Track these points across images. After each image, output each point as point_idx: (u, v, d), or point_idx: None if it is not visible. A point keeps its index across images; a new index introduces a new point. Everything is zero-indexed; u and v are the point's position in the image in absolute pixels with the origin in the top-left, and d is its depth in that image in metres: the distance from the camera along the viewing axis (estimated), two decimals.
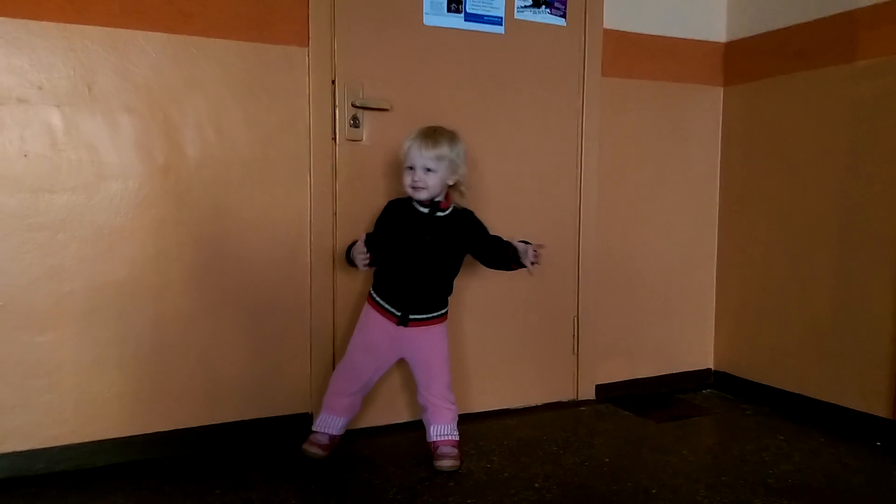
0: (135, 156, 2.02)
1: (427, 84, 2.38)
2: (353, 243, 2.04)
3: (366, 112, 2.28)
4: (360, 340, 2.10)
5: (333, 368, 2.28)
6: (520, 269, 2.07)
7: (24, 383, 1.94)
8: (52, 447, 1.98)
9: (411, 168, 2.00)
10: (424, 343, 2.08)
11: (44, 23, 1.90)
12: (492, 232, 2.15)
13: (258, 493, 1.87)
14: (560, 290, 2.68)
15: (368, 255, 1.99)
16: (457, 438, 2.09)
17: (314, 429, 2.10)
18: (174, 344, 2.11)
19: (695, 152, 2.89)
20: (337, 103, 2.24)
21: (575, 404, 2.70)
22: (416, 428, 2.21)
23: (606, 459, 2.14)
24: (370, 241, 2.01)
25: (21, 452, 1.95)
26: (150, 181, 2.04)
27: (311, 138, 2.22)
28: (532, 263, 2.01)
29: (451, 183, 2.05)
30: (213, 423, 2.17)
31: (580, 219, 2.68)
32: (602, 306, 2.75)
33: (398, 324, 2.05)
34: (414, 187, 2.00)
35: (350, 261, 2.06)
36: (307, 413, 2.27)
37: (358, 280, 2.31)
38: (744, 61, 2.82)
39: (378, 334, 2.07)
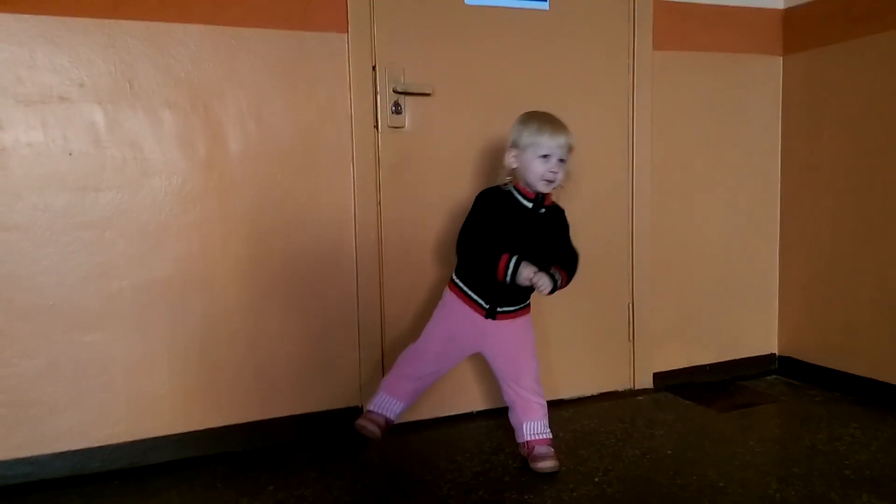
0: (178, 152, 2.00)
1: (470, 66, 2.30)
2: (505, 259, 1.83)
3: (407, 98, 2.22)
4: (441, 327, 2.00)
5: (382, 361, 2.24)
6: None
7: (76, 383, 1.94)
8: (106, 445, 1.98)
9: (546, 157, 1.83)
10: (510, 336, 1.98)
11: (82, 19, 1.88)
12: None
13: (311, 489, 1.84)
14: (613, 276, 2.58)
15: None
16: (550, 436, 1.98)
17: (370, 408, 2.02)
18: (223, 340, 2.09)
19: (754, 126, 2.75)
20: (378, 90, 2.18)
21: (632, 393, 2.61)
22: (467, 420, 2.15)
23: (669, 451, 2.05)
24: (481, 232, 1.86)
25: (77, 451, 1.95)
26: (193, 177, 2.02)
27: (353, 127, 2.17)
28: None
29: None
30: (264, 418, 2.15)
31: (633, 200, 2.57)
32: (658, 291, 2.64)
33: (486, 316, 1.95)
34: (548, 179, 1.85)
35: (506, 276, 1.84)
36: (357, 407, 2.24)
37: (405, 272, 2.26)
38: (804, 28, 2.66)
39: (463, 324, 1.97)
